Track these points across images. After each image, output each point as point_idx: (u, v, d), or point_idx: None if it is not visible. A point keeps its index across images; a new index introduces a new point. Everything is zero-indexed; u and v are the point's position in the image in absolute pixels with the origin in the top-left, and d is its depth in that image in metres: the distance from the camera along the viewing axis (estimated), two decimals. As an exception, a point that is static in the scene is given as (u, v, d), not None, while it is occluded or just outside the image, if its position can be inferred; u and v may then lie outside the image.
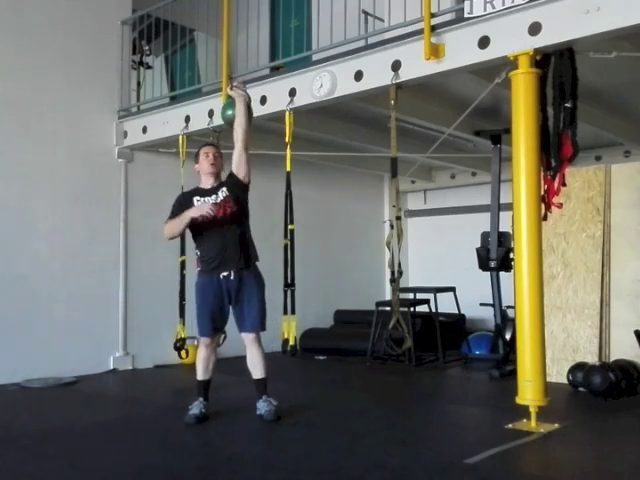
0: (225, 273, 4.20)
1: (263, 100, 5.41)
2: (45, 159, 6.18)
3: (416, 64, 4.44)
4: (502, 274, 6.35)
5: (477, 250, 6.37)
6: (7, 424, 4.38)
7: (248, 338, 4.28)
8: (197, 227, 4.28)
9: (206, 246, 4.28)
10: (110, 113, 6.68)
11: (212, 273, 4.24)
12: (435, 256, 9.10)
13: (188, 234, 4.50)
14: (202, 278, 4.32)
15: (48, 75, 6.23)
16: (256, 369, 4.31)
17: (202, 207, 4.19)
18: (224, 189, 4.28)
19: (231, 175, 4.30)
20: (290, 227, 5.15)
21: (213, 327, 4.28)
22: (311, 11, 6.77)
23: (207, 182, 4.36)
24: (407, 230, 8.71)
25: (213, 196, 4.27)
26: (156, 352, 6.58)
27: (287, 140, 5.19)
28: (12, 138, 5.97)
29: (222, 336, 4.52)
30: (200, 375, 4.32)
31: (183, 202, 4.37)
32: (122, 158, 6.70)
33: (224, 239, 4.21)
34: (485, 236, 6.38)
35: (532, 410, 3.95)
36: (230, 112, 4.34)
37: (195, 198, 4.33)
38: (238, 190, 4.27)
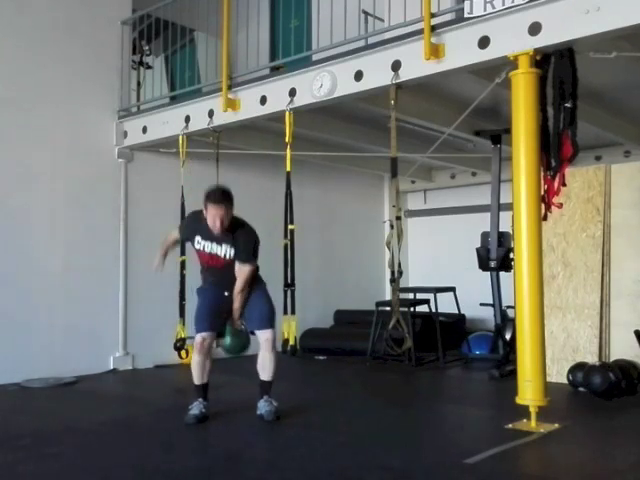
0: (227, 293, 4.25)
1: (263, 100, 5.41)
2: (45, 159, 6.17)
3: (416, 64, 4.43)
4: (502, 274, 6.35)
5: (477, 250, 6.37)
6: (7, 424, 4.38)
7: (262, 337, 4.24)
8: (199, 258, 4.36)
9: (208, 275, 4.36)
10: (110, 113, 6.68)
11: (215, 285, 4.32)
12: (435, 256, 9.10)
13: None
14: (206, 283, 4.40)
15: (48, 75, 6.22)
16: (265, 371, 4.29)
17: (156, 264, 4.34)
18: (231, 251, 4.17)
19: (237, 255, 4.19)
20: (290, 227, 5.15)
21: (210, 322, 4.23)
22: (311, 11, 6.78)
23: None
24: (407, 230, 8.70)
25: (216, 247, 4.19)
26: (156, 352, 6.57)
27: (287, 140, 5.19)
28: (12, 138, 5.97)
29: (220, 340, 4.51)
30: (196, 380, 4.30)
31: (187, 231, 4.38)
32: (122, 158, 6.69)
33: (225, 275, 4.23)
34: (485, 236, 6.37)
35: (532, 410, 3.94)
36: (228, 342, 4.30)
37: (197, 238, 4.22)
38: None
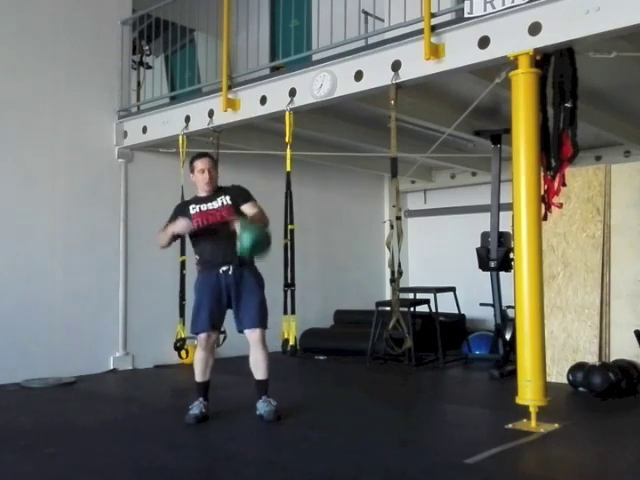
0: (224, 268, 4.20)
1: (263, 100, 5.41)
2: (45, 159, 6.17)
3: (416, 64, 4.43)
4: (502, 274, 6.34)
5: (477, 250, 6.36)
6: (7, 424, 4.38)
7: (251, 337, 4.23)
8: (195, 233, 4.31)
9: (204, 250, 4.31)
10: (110, 113, 6.68)
11: (211, 270, 4.25)
12: (435, 256, 9.09)
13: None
14: (201, 276, 4.34)
15: (48, 75, 6.22)
16: (258, 370, 4.28)
17: (181, 223, 4.18)
18: (226, 198, 4.26)
19: (237, 201, 4.25)
20: (290, 227, 5.15)
21: (210, 322, 4.23)
22: (311, 11, 6.77)
23: (204, 192, 4.36)
24: (407, 230, 8.71)
25: (210, 203, 4.27)
26: (156, 352, 6.58)
27: (287, 140, 5.19)
28: (12, 138, 5.97)
29: (222, 337, 4.52)
30: (198, 377, 4.30)
31: (179, 212, 4.38)
32: (122, 158, 6.69)
33: (222, 243, 4.18)
34: (485, 236, 6.37)
35: (532, 410, 3.94)
36: (246, 243, 3.88)
37: (191, 206, 4.31)
38: (239, 209, 4.28)
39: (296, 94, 5.17)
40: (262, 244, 3.93)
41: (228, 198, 4.26)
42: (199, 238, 4.31)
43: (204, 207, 4.27)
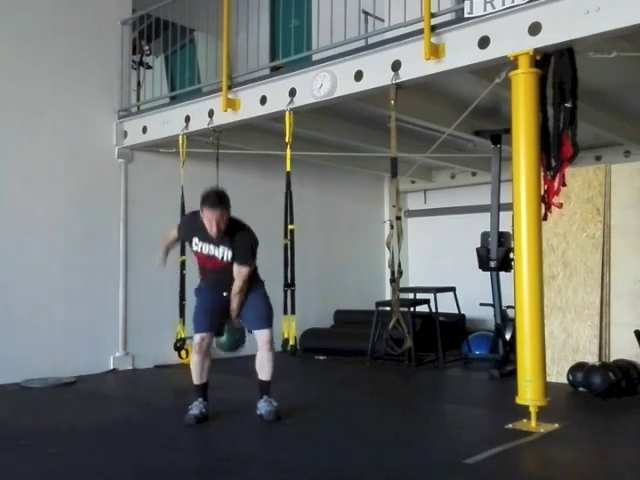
0: (225, 293, 4.25)
1: (263, 100, 5.41)
2: (45, 159, 6.17)
3: (416, 64, 4.43)
4: (502, 274, 6.34)
5: (477, 250, 6.37)
6: (7, 424, 4.38)
7: (260, 338, 4.26)
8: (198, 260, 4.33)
9: (207, 274, 4.33)
10: (110, 113, 6.67)
11: (212, 288, 4.32)
12: (435, 256, 9.09)
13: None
14: (204, 284, 4.39)
15: (48, 75, 6.22)
16: (263, 371, 4.30)
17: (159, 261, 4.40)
18: (229, 253, 4.14)
19: (235, 257, 4.16)
20: (290, 227, 5.15)
21: (208, 322, 4.25)
22: (311, 11, 6.78)
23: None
24: (407, 230, 8.71)
25: (214, 247, 4.15)
26: (156, 352, 6.57)
27: (287, 140, 5.19)
28: (12, 138, 5.97)
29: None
30: (196, 380, 4.31)
31: (185, 231, 4.36)
32: (122, 158, 6.69)
33: (223, 275, 4.21)
34: (485, 236, 6.37)
35: (532, 410, 3.95)
36: (223, 339, 4.34)
37: (195, 239, 4.20)
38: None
39: (296, 94, 5.17)
40: (235, 346, 4.39)
41: (230, 254, 4.13)
42: (200, 264, 4.33)
43: (205, 249, 4.16)
